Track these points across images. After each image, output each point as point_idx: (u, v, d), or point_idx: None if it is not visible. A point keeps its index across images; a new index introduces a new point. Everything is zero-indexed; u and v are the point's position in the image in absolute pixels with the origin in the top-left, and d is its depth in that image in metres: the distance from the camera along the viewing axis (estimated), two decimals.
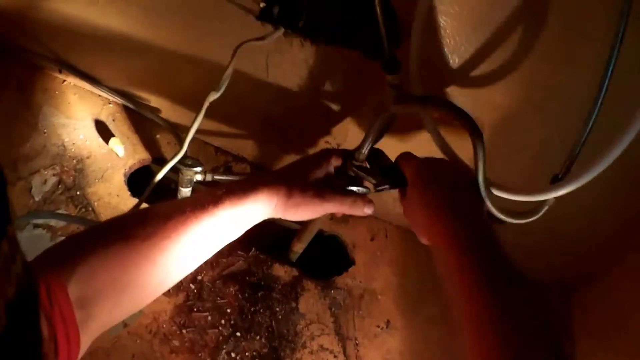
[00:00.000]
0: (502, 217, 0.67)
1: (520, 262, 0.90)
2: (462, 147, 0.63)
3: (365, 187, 0.66)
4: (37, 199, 0.88)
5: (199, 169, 0.81)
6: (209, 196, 0.54)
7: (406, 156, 0.63)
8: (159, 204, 0.56)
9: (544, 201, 0.68)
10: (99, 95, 0.98)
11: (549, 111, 0.68)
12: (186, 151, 0.84)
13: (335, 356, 0.84)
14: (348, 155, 0.65)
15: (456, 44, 0.65)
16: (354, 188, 0.63)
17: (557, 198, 0.67)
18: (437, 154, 0.64)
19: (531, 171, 0.75)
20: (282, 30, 0.73)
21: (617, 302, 0.83)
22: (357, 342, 0.85)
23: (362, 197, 0.62)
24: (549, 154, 0.72)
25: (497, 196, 0.65)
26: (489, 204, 0.65)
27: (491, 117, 0.70)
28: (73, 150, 0.92)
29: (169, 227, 0.51)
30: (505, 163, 0.74)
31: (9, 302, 0.24)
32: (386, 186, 0.65)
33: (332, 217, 0.88)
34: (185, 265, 0.54)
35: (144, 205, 0.86)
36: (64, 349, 0.40)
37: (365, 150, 0.65)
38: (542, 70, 0.63)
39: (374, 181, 0.66)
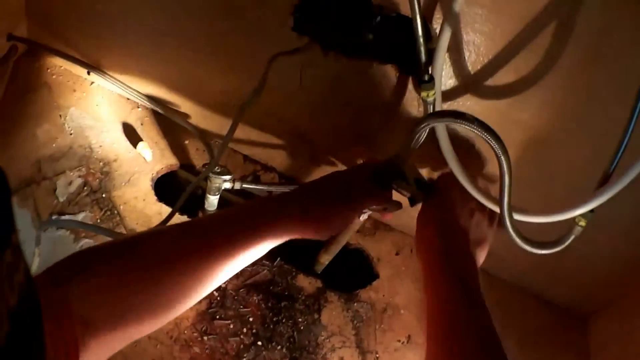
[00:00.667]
0: (526, 247, 0.67)
1: (539, 284, 0.91)
2: None
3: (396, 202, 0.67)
4: (61, 199, 0.88)
5: (227, 177, 0.81)
6: (231, 235, 0.55)
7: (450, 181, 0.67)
8: (176, 227, 0.58)
9: (571, 231, 0.69)
10: (128, 99, 0.98)
11: (578, 134, 0.68)
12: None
13: None
14: (377, 169, 0.66)
15: (483, 61, 0.65)
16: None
17: (582, 226, 0.67)
18: None
19: (555, 196, 0.76)
20: (317, 43, 0.73)
21: (634, 326, 0.83)
22: (377, 355, 0.85)
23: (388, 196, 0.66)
24: (576, 177, 0.73)
25: (520, 222, 0.66)
26: (511, 233, 0.65)
27: (516, 138, 0.71)
28: (100, 152, 0.92)
29: (181, 260, 0.52)
30: (529, 188, 0.74)
31: (12, 311, 0.24)
32: (419, 198, 0.66)
33: (358, 229, 0.88)
34: (193, 296, 0.54)
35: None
36: None
37: (397, 163, 0.66)
38: (573, 92, 0.64)
39: (407, 194, 0.67)
